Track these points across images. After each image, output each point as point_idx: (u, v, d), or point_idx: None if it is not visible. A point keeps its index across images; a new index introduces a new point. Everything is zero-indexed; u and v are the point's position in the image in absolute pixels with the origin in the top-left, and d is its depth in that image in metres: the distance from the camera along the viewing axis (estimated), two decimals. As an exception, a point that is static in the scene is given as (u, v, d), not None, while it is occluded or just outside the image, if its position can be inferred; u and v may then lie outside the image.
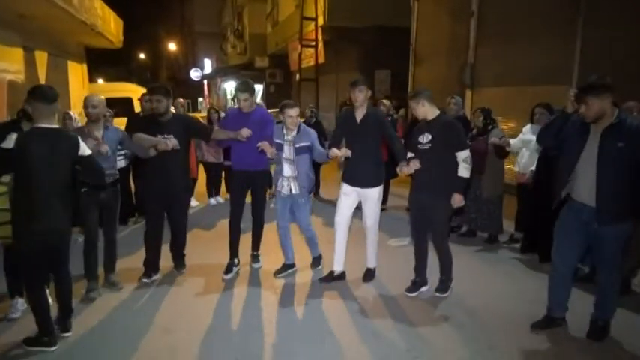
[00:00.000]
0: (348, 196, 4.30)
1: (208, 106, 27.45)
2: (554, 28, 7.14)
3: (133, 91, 11.16)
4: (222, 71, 27.14)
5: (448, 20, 10.09)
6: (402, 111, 11.32)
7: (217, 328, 3.62)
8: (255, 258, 4.86)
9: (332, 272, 4.47)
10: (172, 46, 37.96)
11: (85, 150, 3.34)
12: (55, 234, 3.24)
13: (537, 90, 7.01)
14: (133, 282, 4.40)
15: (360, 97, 4.10)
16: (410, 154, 4.04)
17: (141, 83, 17.68)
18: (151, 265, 4.50)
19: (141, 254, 4.59)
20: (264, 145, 4.15)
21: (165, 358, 3.23)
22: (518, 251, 5.19)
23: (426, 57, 11.07)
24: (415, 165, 3.91)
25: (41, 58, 7.85)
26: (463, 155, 3.78)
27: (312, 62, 15.27)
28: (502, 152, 5.21)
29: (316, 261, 4.82)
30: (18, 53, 6.91)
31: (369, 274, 4.49)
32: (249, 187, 4.60)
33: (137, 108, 9.10)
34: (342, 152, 4.08)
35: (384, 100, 7.54)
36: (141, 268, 4.50)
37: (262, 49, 22.45)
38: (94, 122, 4.08)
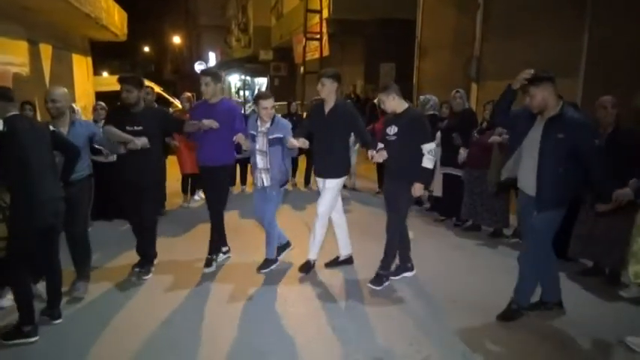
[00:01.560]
0: (320, 186, 4.39)
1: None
2: (561, 21, 7.07)
3: (138, 84, 11.13)
4: (227, 64, 27.06)
5: (454, 13, 10.01)
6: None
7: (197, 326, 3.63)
8: (208, 262, 4.52)
9: (308, 261, 4.52)
10: (177, 39, 37.88)
11: (51, 127, 3.52)
12: (55, 204, 3.35)
13: (543, 83, 6.94)
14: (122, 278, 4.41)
15: (324, 90, 4.16)
16: (380, 145, 4.13)
17: (145, 76, 17.61)
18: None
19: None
20: (239, 137, 4.12)
21: (133, 354, 3.24)
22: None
23: (431, 50, 10.99)
24: (382, 155, 4.04)
25: (46, 51, 7.84)
26: (428, 147, 3.88)
27: (316, 55, 15.20)
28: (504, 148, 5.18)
29: (266, 263, 4.54)
30: (22, 46, 6.90)
31: (306, 267, 4.43)
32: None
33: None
34: (299, 143, 4.11)
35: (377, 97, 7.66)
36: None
37: (267, 42, 22.36)
38: (56, 118, 3.81)
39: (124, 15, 10.51)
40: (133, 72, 28.08)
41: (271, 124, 4.25)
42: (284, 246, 4.73)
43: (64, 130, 3.80)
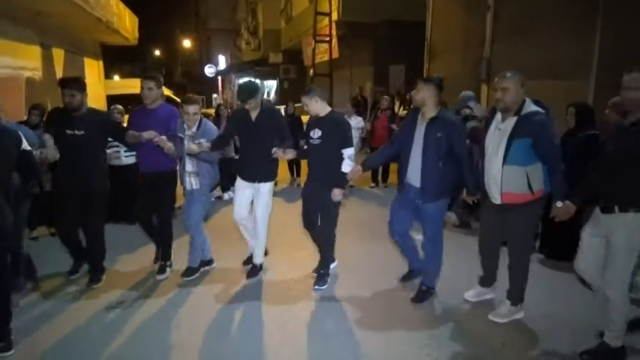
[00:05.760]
0: (243, 192, 4.38)
1: (219, 102, 27.57)
2: (572, 22, 7.00)
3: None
4: (236, 67, 27.20)
5: (463, 14, 9.96)
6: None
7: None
8: (161, 269, 4.47)
9: (255, 265, 4.53)
10: (187, 43, 38.19)
11: (26, 145, 3.26)
12: (5, 232, 3.09)
13: (555, 85, 6.89)
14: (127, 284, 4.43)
15: (251, 106, 4.16)
16: (305, 147, 4.29)
17: (156, 80, 17.64)
18: (76, 264, 4.43)
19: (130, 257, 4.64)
20: (155, 137, 3.96)
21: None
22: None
23: (440, 52, 10.95)
24: (292, 153, 4.16)
25: (58, 55, 7.93)
26: (349, 152, 3.99)
27: (326, 57, 15.24)
28: None
29: (188, 271, 4.42)
30: (35, 50, 6.99)
31: (253, 271, 4.47)
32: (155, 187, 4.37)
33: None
34: (202, 146, 4.07)
35: (386, 96, 9.00)
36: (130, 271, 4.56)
37: (276, 44, 22.43)
38: None
39: (135, 19, 10.61)
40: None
41: (198, 129, 4.24)
42: (207, 262, 4.65)
43: None
